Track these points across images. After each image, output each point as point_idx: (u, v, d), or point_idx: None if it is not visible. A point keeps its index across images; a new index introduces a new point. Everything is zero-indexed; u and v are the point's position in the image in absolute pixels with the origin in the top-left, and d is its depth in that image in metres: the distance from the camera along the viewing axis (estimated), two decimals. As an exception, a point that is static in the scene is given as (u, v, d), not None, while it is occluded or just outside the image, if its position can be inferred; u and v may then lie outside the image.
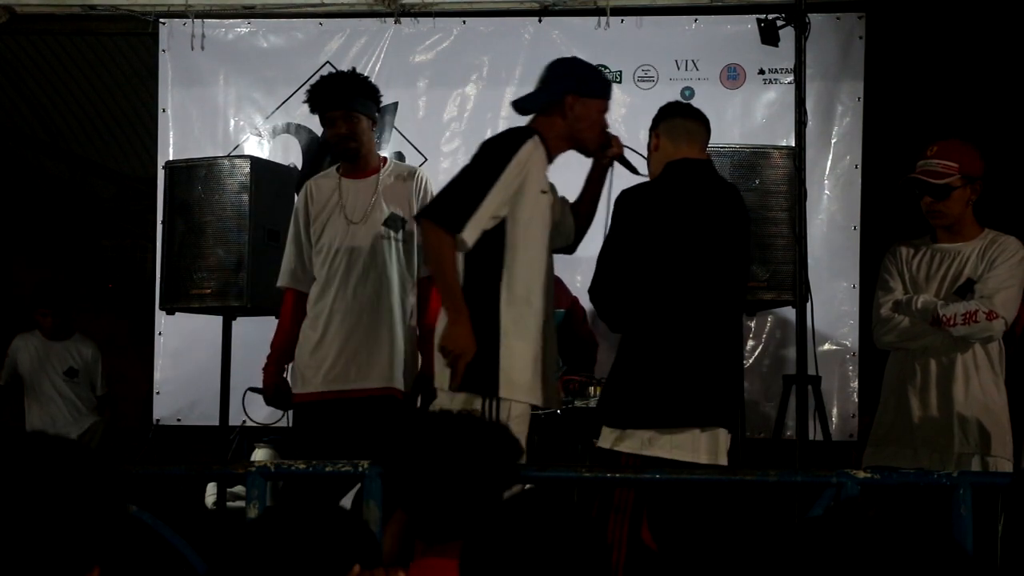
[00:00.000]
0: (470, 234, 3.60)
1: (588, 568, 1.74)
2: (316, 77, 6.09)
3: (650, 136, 3.95)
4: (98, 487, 1.54)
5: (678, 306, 3.66)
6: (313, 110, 4.56)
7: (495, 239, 3.67)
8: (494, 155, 3.70)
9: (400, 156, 6.06)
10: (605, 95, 3.95)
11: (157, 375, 6.25)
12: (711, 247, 3.73)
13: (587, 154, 3.99)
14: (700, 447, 3.67)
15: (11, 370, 6.94)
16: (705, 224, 3.74)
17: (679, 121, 3.89)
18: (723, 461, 3.73)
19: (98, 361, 6.94)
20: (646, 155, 3.98)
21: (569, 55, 6.06)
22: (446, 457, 2.36)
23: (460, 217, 3.59)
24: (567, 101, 3.82)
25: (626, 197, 3.79)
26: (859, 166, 5.98)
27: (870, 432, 4.46)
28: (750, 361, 5.85)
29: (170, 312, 5.26)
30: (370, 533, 1.95)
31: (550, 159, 3.85)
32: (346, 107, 4.43)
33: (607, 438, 3.64)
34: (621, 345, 3.75)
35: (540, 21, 6.18)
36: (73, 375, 6.89)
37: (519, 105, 3.98)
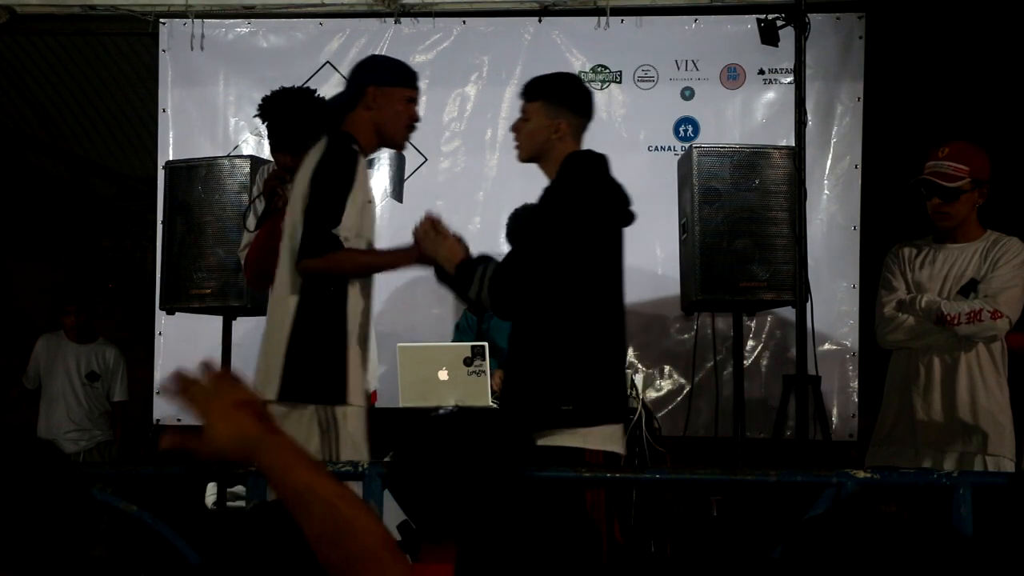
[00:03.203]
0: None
1: (583, 569, 1.74)
2: (316, 77, 6.13)
3: (545, 108, 3.75)
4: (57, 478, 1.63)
5: (602, 302, 3.66)
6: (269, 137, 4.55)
7: None
8: (340, 175, 3.73)
9: (400, 156, 6.06)
10: (409, 84, 3.93)
11: (157, 375, 6.25)
12: (619, 245, 3.75)
13: (395, 147, 4.01)
14: (620, 440, 3.71)
15: (37, 371, 6.92)
16: (619, 222, 3.75)
17: (584, 122, 3.84)
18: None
19: (120, 366, 6.93)
20: (525, 126, 3.80)
21: (569, 55, 6.13)
22: (443, 455, 2.36)
23: (331, 236, 3.68)
24: (369, 92, 3.84)
25: (559, 196, 3.71)
26: (859, 166, 5.98)
27: (873, 431, 4.47)
28: (750, 361, 5.85)
29: (170, 312, 5.26)
30: None
31: (365, 156, 3.90)
32: (295, 153, 4.39)
33: (558, 436, 3.60)
34: (533, 341, 3.68)
35: (540, 21, 6.18)
36: (94, 379, 6.86)
37: (330, 107, 4.02)
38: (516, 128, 3.82)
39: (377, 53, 6.14)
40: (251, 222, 4.51)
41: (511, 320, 3.73)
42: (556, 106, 3.75)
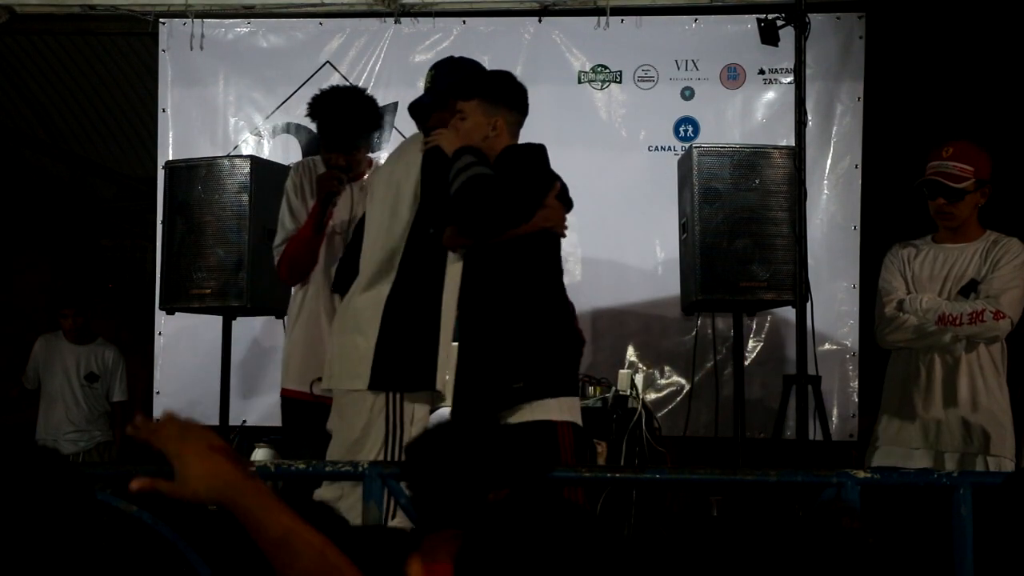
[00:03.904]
0: None
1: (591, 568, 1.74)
2: (316, 77, 6.13)
3: (481, 106, 3.82)
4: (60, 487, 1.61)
5: (545, 284, 3.76)
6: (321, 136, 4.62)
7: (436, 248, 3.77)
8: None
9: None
10: None
11: (157, 375, 6.25)
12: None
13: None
14: (578, 412, 3.78)
15: (36, 371, 6.92)
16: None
17: (520, 119, 3.88)
18: None
19: (119, 366, 6.92)
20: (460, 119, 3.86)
21: (569, 55, 6.13)
22: (444, 451, 2.39)
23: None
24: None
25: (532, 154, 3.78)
26: (859, 166, 5.98)
27: (872, 431, 4.47)
28: (750, 361, 5.85)
29: (170, 312, 5.26)
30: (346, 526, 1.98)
31: None
32: (348, 151, 4.49)
33: (523, 412, 3.64)
34: (480, 326, 3.75)
35: (540, 21, 6.17)
36: (93, 380, 6.86)
37: (417, 106, 4.05)
38: (453, 127, 3.86)
39: (381, 53, 6.16)
40: (288, 219, 4.58)
41: (462, 216, 3.70)
42: (493, 104, 3.82)
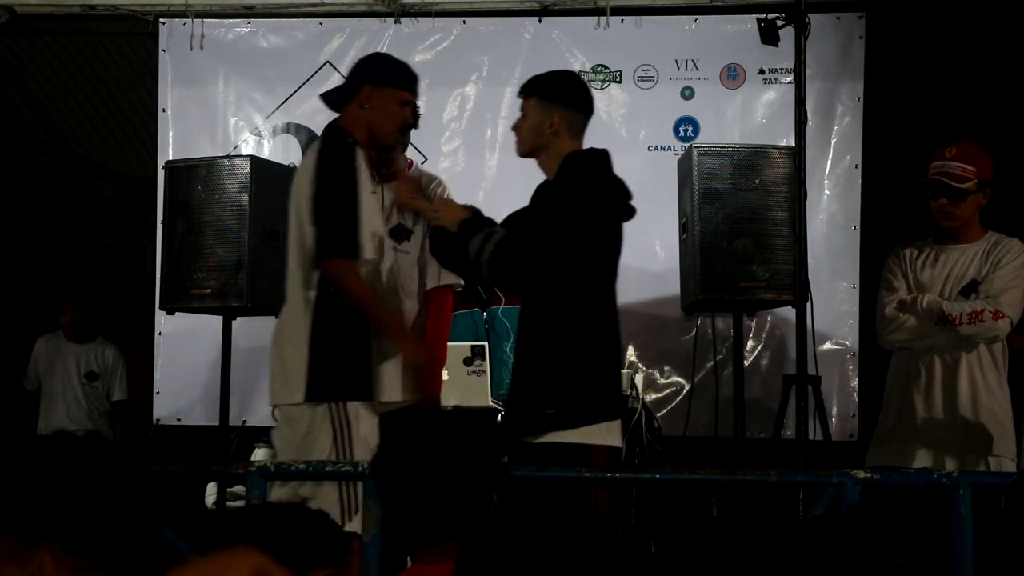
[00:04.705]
0: (367, 249, 3.74)
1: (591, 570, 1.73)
2: (316, 77, 6.13)
3: (539, 104, 3.82)
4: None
5: (597, 302, 3.70)
6: None
7: None
8: (341, 173, 3.77)
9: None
10: (404, 87, 3.96)
11: (157, 375, 6.25)
12: (619, 241, 3.80)
13: (384, 148, 3.98)
14: (618, 434, 3.74)
15: (36, 372, 6.91)
16: (619, 218, 3.79)
17: (580, 117, 3.85)
18: None
19: (119, 366, 6.92)
20: (523, 125, 3.85)
21: (569, 55, 6.13)
22: (436, 457, 2.35)
23: (352, 241, 3.72)
24: (364, 90, 3.89)
25: (559, 197, 3.74)
26: (859, 166, 5.98)
27: (873, 431, 4.47)
28: (750, 361, 5.85)
29: (170, 312, 5.26)
30: (338, 532, 1.97)
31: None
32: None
33: (555, 435, 3.62)
34: (528, 344, 3.72)
35: (540, 21, 6.17)
36: (93, 379, 6.86)
37: (327, 98, 4.06)
38: (516, 127, 3.88)
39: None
40: None
41: (505, 290, 3.74)
42: (549, 102, 3.81)
